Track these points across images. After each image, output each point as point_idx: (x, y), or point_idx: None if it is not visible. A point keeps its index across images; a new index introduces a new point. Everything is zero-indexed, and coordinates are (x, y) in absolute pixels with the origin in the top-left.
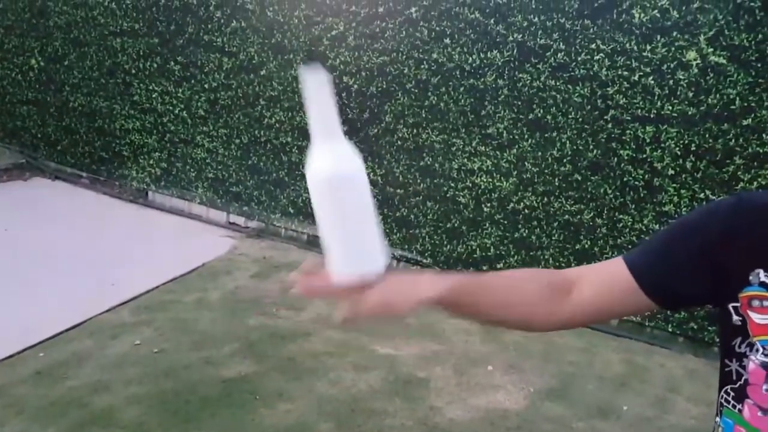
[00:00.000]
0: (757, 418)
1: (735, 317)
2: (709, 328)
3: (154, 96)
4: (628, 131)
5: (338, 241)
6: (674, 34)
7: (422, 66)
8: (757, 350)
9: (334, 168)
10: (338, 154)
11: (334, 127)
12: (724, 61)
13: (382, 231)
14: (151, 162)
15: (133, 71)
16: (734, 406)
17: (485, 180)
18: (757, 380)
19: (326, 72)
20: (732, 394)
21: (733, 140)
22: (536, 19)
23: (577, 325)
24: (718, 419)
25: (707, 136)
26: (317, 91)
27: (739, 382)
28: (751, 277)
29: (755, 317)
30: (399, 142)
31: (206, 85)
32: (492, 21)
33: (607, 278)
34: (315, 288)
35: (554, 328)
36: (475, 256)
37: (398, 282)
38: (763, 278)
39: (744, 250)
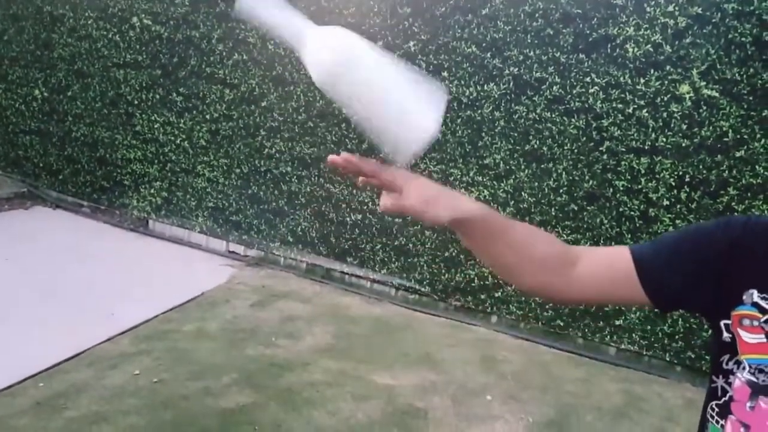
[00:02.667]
0: None
1: (725, 334)
2: (706, 357)
3: (156, 126)
4: (623, 162)
5: (381, 123)
6: (667, 68)
7: None
8: (744, 368)
9: (333, 52)
10: (320, 40)
11: (301, 24)
12: (717, 95)
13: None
14: (152, 191)
15: (136, 102)
16: (717, 422)
17: None
18: (742, 397)
19: None
20: (717, 410)
21: (727, 171)
22: (532, 53)
23: (569, 301)
24: None
25: (701, 167)
26: (261, 8)
27: (723, 398)
28: (744, 297)
29: (745, 336)
30: None
31: (208, 116)
32: (488, 55)
33: (610, 263)
34: (364, 166)
35: (547, 294)
36: (473, 284)
37: (441, 189)
38: (756, 299)
39: (744, 269)
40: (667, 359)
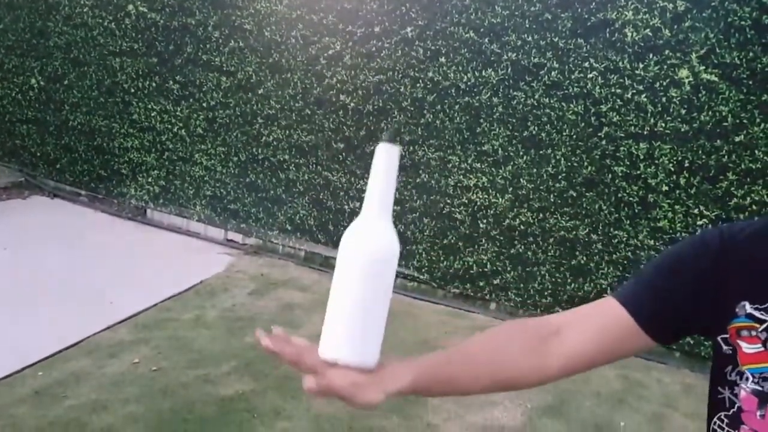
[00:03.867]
0: None
1: (725, 347)
2: (705, 343)
3: (152, 115)
4: (622, 148)
5: (347, 322)
6: (666, 52)
7: (418, 84)
8: (747, 378)
9: (382, 251)
10: (387, 236)
11: (388, 208)
12: (716, 79)
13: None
14: (149, 180)
15: (132, 90)
16: None
17: (481, 196)
18: (750, 407)
19: (400, 149)
20: (726, 420)
21: (726, 156)
22: (530, 38)
23: (572, 374)
24: None
25: (700, 152)
26: (387, 167)
27: (732, 410)
28: (737, 310)
29: (744, 346)
30: None
31: (204, 104)
32: (486, 40)
33: (600, 320)
34: (286, 352)
35: (548, 381)
36: (471, 272)
37: (371, 371)
38: (749, 310)
39: (730, 281)
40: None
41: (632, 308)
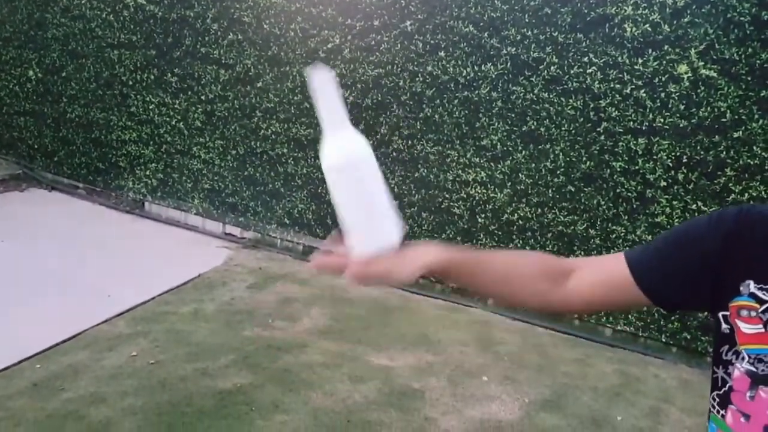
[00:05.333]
0: (739, 424)
1: (724, 326)
2: (702, 338)
3: (151, 107)
4: (620, 143)
5: (355, 221)
6: (665, 47)
7: (417, 78)
8: (743, 358)
9: (345, 155)
10: (347, 142)
11: (341, 118)
12: (715, 75)
13: (395, 207)
14: (147, 173)
15: (131, 83)
16: (719, 412)
17: (479, 191)
18: (741, 387)
19: (330, 70)
20: (717, 400)
21: (724, 152)
22: (530, 32)
23: (571, 311)
24: (707, 423)
25: (699, 148)
26: (323, 88)
27: (723, 389)
28: (741, 288)
29: (743, 326)
30: (394, 154)
31: (203, 97)
32: (486, 34)
33: (606, 271)
34: (327, 262)
35: (549, 310)
36: None
37: (403, 252)
38: (753, 289)
39: (739, 261)
40: (663, 340)
41: (637, 272)
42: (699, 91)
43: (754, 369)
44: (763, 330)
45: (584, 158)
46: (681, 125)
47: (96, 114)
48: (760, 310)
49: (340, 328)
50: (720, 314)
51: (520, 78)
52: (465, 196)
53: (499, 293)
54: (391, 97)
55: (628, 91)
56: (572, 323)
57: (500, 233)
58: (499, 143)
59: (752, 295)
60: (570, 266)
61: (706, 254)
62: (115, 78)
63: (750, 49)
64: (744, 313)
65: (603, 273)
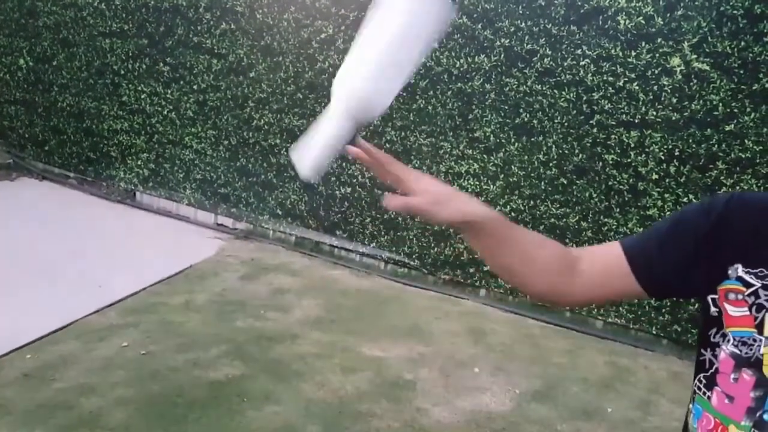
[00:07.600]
0: (724, 405)
1: (713, 309)
2: (692, 330)
3: (142, 97)
4: (613, 136)
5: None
6: (659, 40)
7: None
8: (729, 341)
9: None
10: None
11: None
12: (708, 68)
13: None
14: (139, 163)
15: (122, 72)
16: (704, 394)
17: (472, 183)
18: (726, 369)
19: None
20: (704, 381)
21: (716, 145)
22: (523, 24)
23: (574, 303)
24: (690, 405)
25: (691, 141)
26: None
27: (710, 371)
28: (729, 271)
29: (730, 309)
30: (387, 145)
31: (195, 87)
32: (479, 26)
33: (604, 260)
34: (378, 156)
35: (553, 298)
36: (462, 258)
37: (450, 190)
38: (740, 273)
39: (728, 245)
40: (654, 332)
41: (630, 257)
42: (691, 84)
43: (738, 351)
44: (748, 313)
45: (577, 151)
46: (673, 118)
47: (87, 103)
48: (746, 294)
49: (332, 319)
50: (709, 297)
51: (513, 70)
52: (458, 187)
53: (517, 269)
54: None
55: (621, 83)
56: (563, 315)
57: None
58: (492, 135)
59: (740, 279)
60: (574, 257)
61: (698, 239)
62: (107, 67)
63: (743, 43)
64: (732, 296)
65: (602, 262)
